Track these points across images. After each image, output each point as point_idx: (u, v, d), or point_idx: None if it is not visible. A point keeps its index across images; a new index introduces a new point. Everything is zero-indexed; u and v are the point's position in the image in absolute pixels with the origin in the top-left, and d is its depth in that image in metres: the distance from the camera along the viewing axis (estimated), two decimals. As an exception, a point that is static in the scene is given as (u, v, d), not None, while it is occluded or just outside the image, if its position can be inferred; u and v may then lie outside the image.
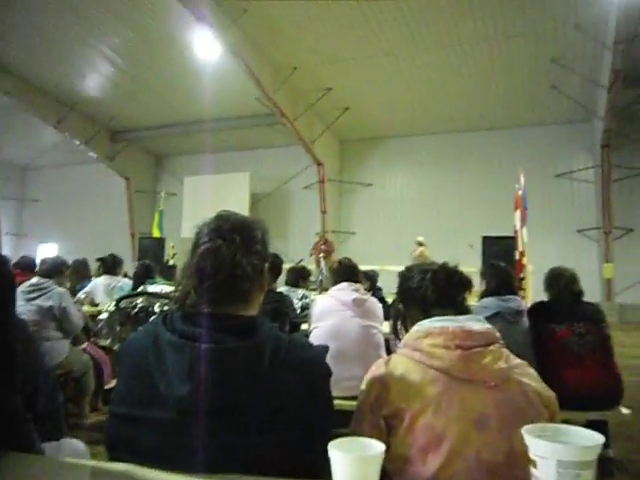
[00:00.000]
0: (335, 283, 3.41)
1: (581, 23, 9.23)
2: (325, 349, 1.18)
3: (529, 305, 3.51)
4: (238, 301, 1.16)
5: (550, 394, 1.28)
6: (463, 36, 9.86)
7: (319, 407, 1.12)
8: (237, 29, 9.75)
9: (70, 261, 5.67)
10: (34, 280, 3.94)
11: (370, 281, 6.33)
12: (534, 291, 6.55)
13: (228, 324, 1.10)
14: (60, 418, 1.77)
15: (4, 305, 1.28)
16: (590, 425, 0.86)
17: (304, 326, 3.77)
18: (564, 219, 13.14)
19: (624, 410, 2.98)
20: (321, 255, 12.14)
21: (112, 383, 4.24)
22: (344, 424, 1.31)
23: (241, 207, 14.47)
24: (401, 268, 1.62)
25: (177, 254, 11.95)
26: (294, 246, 14.73)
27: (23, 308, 3.66)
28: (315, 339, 3.11)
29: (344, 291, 3.29)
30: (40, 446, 1.47)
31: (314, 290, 6.28)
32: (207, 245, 1.14)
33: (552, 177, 13.33)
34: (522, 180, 7.81)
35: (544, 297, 3.45)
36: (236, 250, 1.13)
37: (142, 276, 4.40)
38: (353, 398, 1.47)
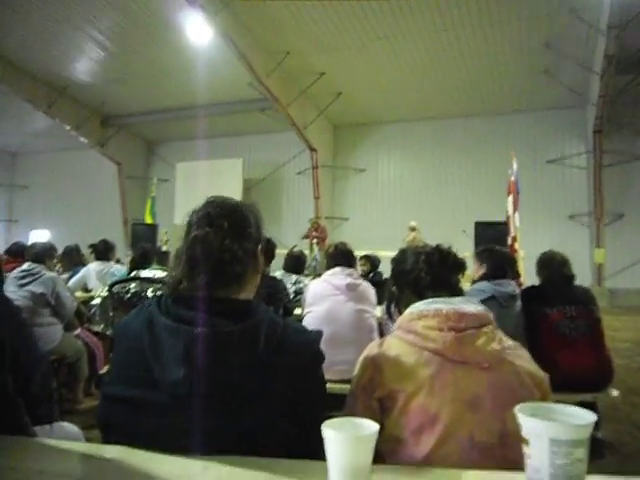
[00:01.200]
0: (330, 267, 3.41)
1: (575, 7, 9.18)
2: (319, 334, 1.19)
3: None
4: (232, 284, 1.15)
5: (542, 375, 1.28)
6: (455, 20, 9.78)
7: (312, 391, 1.13)
8: (229, 13, 9.64)
9: (62, 247, 5.65)
10: (25, 266, 3.92)
11: (371, 263, 6.37)
12: (526, 276, 6.58)
13: (223, 307, 1.10)
14: (53, 402, 1.77)
15: None
16: (580, 407, 0.87)
17: (297, 311, 3.78)
18: (556, 205, 13.19)
19: (614, 392, 3.01)
20: (314, 241, 12.15)
21: (105, 368, 4.25)
22: (337, 407, 1.31)
23: (234, 193, 14.40)
24: (394, 253, 1.61)
25: (170, 240, 11.92)
26: (287, 232, 14.72)
27: (15, 294, 3.64)
28: (308, 323, 3.12)
29: (337, 276, 3.30)
30: (32, 429, 1.47)
31: (307, 275, 6.29)
32: (195, 233, 1.15)
33: (544, 163, 13.35)
34: (514, 165, 7.83)
35: (536, 282, 3.47)
36: (224, 236, 1.13)
37: (140, 262, 4.36)
38: (346, 382, 1.47)
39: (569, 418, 0.86)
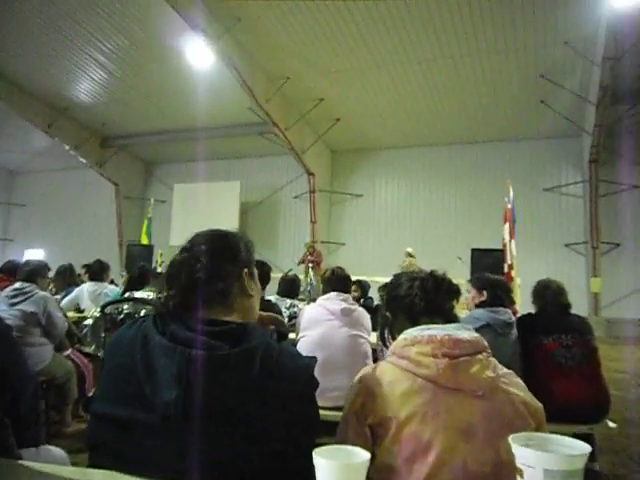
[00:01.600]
0: (326, 292, 3.39)
1: (570, 39, 9.35)
2: (313, 360, 1.18)
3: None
4: (214, 302, 1.16)
5: (537, 404, 1.27)
6: (453, 50, 9.96)
7: (305, 417, 1.12)
8: (230, 38, 9.79)
9: (56, 267, 5.61)
10: (17, 285, 3.87)
11: (362, 289, 6.38)
12: (522, 304, 6.57)
13: (219, 330, 1.10)
14: (40, 425, 1.74)
15: None
16: (576, 438, 0.86)
17: (291, 335, 3.74)
18: (552, 233, 13.24)
19: (611, 424, 2.97)
20: (309, 265, 12.11)
21: (94, 391, 4.18)
22: (329, 434, 1.29)
23: (231, 216, 14.46)
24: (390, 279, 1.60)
25: (165, 262, 11.88)
26: (283, 255, 14.72)
27: (6, 313, 3.60)
28: (302, 348, 3.09)
29: (332, 300, 3.28)
30: (18, 452, 1.44)
31: (302, 300, 6.26)
32: (172, 258, 1.22)
33: (540, 191, 13.44)
34: (511, 193, 7.87)
35: (532, 310, 3.46)
36: (200, 257, 1.17)
37: (136, 281, 4.31)
38: (338, 409, 1.45)
39: (564, 448, 0.85)
